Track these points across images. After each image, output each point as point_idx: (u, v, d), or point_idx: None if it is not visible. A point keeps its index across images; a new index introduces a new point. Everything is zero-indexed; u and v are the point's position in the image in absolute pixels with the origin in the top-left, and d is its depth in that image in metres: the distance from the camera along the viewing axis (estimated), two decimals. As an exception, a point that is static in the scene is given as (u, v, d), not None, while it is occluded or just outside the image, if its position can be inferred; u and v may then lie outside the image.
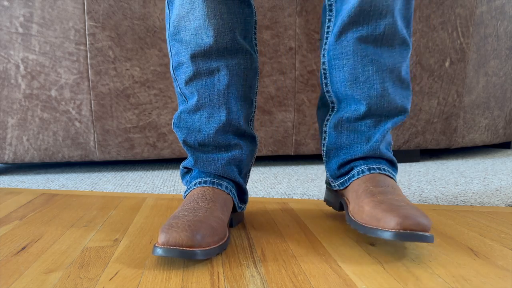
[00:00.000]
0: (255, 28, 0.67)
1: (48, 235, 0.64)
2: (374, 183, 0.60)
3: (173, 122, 0.67)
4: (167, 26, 0.66)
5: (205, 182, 0.65)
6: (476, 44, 1.40)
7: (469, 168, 1.29)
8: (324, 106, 0.71)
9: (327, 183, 0.74)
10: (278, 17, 1.24)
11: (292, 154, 1.35)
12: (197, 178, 0.66)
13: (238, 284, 0.46)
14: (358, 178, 0.63)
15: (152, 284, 0.46)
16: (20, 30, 1.16)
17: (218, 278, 0.47)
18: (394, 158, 0.67)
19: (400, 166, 1.36)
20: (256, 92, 0.70)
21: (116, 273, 0.49)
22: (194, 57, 0.62)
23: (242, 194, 0.70)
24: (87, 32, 1.18)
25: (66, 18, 1.17)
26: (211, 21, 0.60)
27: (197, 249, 0.50)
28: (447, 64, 1.38)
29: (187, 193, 0.66)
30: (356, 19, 0.60)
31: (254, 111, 0.70)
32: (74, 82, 1.20)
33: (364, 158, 0.65)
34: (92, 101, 1.22)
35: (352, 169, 0.65)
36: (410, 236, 0.49)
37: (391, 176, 0.64)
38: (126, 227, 0.68)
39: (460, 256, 0.53)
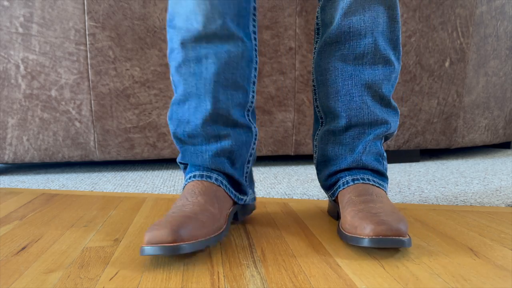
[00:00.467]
0: (254, 14, 0.66)
1: (48, 235, 0.64)
2: (357, 193, 0.63)
3: (167, 116, 0.67)
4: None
5: (194, 176, 0.64)
6: (476, 44, 1.40)
7: (469, 168, 1.29)
8: (316, 121, 0.74)
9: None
10: (278, 17, 1.24)
11: (292, 154, 1.35)
12: (189, 173, 0.66)
13: (238, 284, 0.46)
14: (343, 188, 0.66)
15: (152, 284, 0.46)
16: (20, 30, 1.16)
17: (218, 278, 0.47)
18: (381, 169, 0.68)
19: (400, 166, 1.36)
20: (254, 82, 0.67)
21: (116, 273, 0.49)
22: (183, 43, 0.61)
23: (237, 186, 0.68)
24: (87, 32, 1.18)
25: (66, 18, 1.17)
26: (200, 6, 0.59)
27: (181, 243, 0.50)
28: (447, 64, 1.38)
29: (182, 189, 0.66)
30: (338, 39, 0.66)
31: (252, 102, 0.68)
32: (74, 82, 1.20)
33: (349, 169, 0.68)
34: (92, 101, 1.22)
35: (338, 180, 0.69)
36: (384, 242, 0.52)
37: (377, 185, 0.66)
38: (126, 227, 0.68)
39: (460, 256, 0.53)
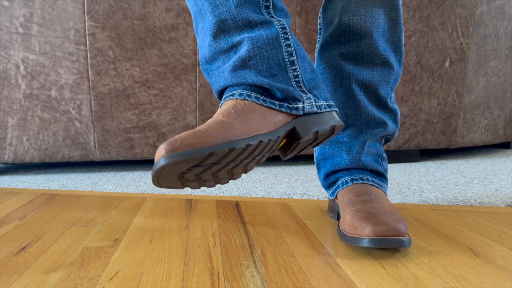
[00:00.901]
0: None
1: (48, 235, 0.64)
2: (357, 193, 0.63)
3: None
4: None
5: (220, 100, 0.57)
6: (476, 44, 1.40)
7: (469, 168, 1.29)
8: None
9: None
10: (278, 17, 1.24)
11: (292, 154, 1.35)
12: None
13: (238, 284, 0.46)
14: (342, 188, 0.66)
15: (152, 284, 0.46)
16: (20, 30, 1.16)
17: (218, 278, 0.47)
18: (380, 170, 0.68)
19: (400, 166, 1.36)
20: None
21: (116, 273, 0.49)
22: None
23: (277, 93, 0.55)
24: (87, 32, 1.18)
25: (66, 18, 1.17)
26: None
27: (174, 151, 0.46)
28: (447, 64, 1.38)
29: None
30: (338, 38, 0.66)
31: None
32: (74, 82, 1.20)
33: (348, 169, 0.68)
34: (92, 101, 1.22)
35: (337, 180, 0.69)
36: (384, 242, 0.52)
37: (376, 185, 0.66)
38: (126, 227, 0.68)
39: (460, 256, 0.53)
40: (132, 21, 1.19)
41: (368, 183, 0.65)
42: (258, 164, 0.55)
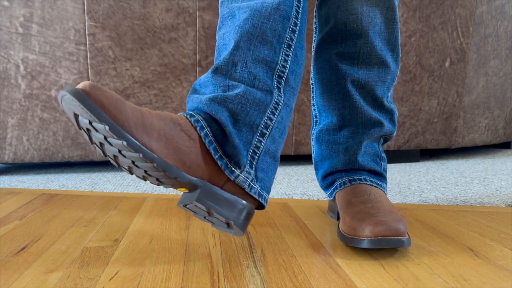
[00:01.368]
0: None
1: (48, 235, 0.64)
2: (355, 193, 0.63)
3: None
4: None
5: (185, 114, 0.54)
6: (476, 44, 1.40)
7: (469, 168, 1.29)
8: (313, 120, 0.74)
9: None
10: (278, 17, 1.24)
11: (292, 154, 1.35)
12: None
13: (238, 284, 0.46)
14: (340, 189, 0.66)
15: (152, 284, 0.46)
16: (20, 30, 1.16)
17: (218, 278, 0.47)
18: (379, 169, 0.68)
19: (400, 166, 1.36)
20: (289, 45, 0.57)
21: (116, 273, 0.49)
22: (221, 2, 0.59)
23: (229, 147, 0.51)
24: (87, 32, 1.18)
25: (66, 18, 1.17)
26: None
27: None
28: (447, 64, 1.38)
29: None
30: (334, 38, 0.65)
31: (284, 67, 0.56)
32: (74, 82, 1.20)
33: (345, 170, 0.68)
34: (92, 101, 1.22)
35: (335, 181, 0.69)
36: (384, 242, 0.52)
37: (374, 185, 0.66)
38: (126, 227, 0.68)
39: (460, 256, 0.53)
40: (132, 21, 1.19)
41: (366, 183, 0.65)
42: (131, 173, 0.49)
